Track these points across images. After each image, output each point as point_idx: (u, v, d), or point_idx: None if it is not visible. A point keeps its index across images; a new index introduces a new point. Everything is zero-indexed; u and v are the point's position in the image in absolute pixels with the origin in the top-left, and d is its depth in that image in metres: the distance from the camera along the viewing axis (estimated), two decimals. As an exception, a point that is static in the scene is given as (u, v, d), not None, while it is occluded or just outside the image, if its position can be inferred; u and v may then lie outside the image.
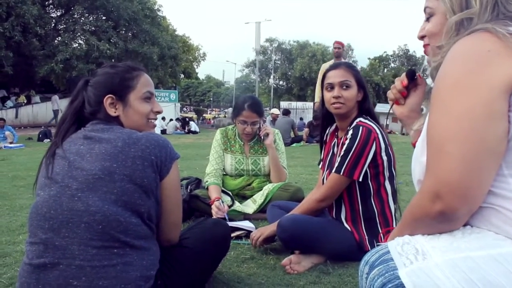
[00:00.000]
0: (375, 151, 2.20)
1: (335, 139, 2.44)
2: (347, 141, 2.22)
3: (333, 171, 2.25)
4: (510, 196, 0.92)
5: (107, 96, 1.56)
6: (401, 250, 0.96)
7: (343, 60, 7.53)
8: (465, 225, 0.97)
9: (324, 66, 6.84)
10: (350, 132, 2.23)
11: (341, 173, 2.21)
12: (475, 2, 1.03)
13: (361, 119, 2.28)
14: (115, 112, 1.58)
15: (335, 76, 2.30)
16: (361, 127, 2.20)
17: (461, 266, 0.87)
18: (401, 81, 1.39)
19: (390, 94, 1.43)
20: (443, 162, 0.91)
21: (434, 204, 0.92)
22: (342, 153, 2.22)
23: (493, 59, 0.92)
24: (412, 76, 1.38)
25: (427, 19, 1.21)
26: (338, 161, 2.24)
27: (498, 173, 0.93)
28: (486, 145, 0.89)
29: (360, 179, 2.21)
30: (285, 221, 2.25)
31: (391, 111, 1.47)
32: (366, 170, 2.21)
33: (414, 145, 1.23)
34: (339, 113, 2.31)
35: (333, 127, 2.49)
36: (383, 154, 2.23)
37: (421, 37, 1.24)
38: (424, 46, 1.24)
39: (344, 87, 2.28)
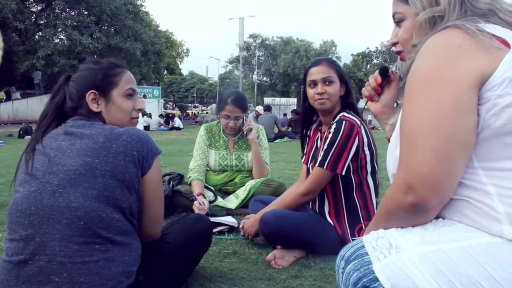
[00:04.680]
0: (358, 145, 2.23)
1: (319, 133, 2.46)
2: (330, 135, 2.24)
3: (317, 165, 2.27)
4: (480, 187, 0.94)
5: (89, 92, 1.55)
6: (375, 245, 0.97)
7: None
8: (438, 217, 1.00)
9: None
10: (333, 126, 2.25)
11: (325, 167, 2.23)
12: (442, 0, 1.06)
13: (345, 113, 2.30)
14: (97, 108, 1.57)
15: (317, 73, 2.32)
16: (344, 121, 2.23)
17: (432, 259, 0.89)
18: (374, 78, 1.41)
19: (365, 91, 1.45)
20: (415, 154, 0.93)
21: (407, 196, 0.93)
22: (325, 147, 2.25)
23: (462, 54, 0.94)
24: (385, 73, 1.40)
25: (398, 25, 1.20)
26: (321, 155, 2.26)
27: (469, 165, 0.95)
28: (456, 138, 0.91)
29: (343, 173, 2.24)
30: (267, 216, 2.26)
31: (366, 107, 1.49)
32: (349, 164, 2.24)
33: (389, 140, 1.25)
34: (323, 108, 2.34)
35: (317, 121, 2.51)
36: (366, 148, 2.26)
37: (394, 44, 1.24)
38: (397, 53, 1.24)
39: (327, 83, 2.30)
